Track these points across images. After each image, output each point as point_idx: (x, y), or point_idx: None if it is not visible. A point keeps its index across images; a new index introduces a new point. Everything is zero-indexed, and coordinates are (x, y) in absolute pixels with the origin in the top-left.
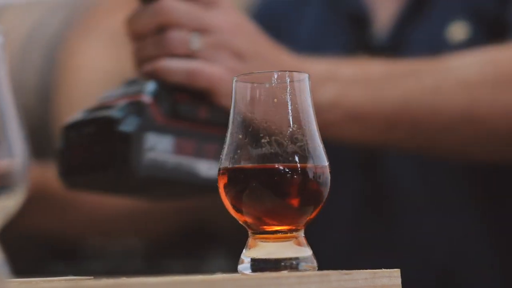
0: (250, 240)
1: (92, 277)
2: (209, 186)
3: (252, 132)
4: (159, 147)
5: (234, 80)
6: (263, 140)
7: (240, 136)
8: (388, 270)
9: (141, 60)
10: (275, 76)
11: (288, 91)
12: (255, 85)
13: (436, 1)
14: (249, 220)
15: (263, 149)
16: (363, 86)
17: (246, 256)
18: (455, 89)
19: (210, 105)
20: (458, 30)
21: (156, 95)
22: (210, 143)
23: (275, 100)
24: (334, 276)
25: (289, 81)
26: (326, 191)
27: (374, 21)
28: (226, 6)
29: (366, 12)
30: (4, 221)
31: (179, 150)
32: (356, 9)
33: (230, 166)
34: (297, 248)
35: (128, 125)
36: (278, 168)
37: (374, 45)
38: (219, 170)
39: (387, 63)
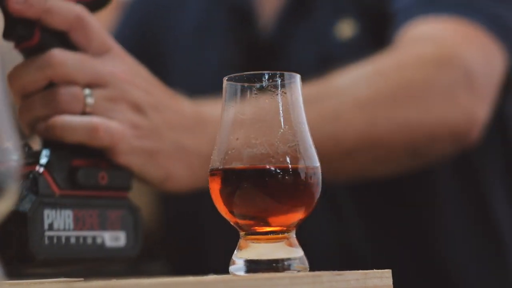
0: (242, 241)
1: (82, 278)
2: (116, 256)
3: (243, 133)
4: (59, 224)
5: (225, 80)
6: (254, 141)
7: (231, 137)
8: (380, 270)
9: (29, 121)
10: (266, 77)
11: (279, 91)
12: (245, 85)
13: (322, 1)
14: (240, 221)
15: (254, 149)
16: None
17: (238, 257)
18: (353, 113)
19: (110, 167)
20: (345, 28)
21: (51, 164)
22: (114, 210)
23: (266, 100)
24: (326, 277)
25: (280, 82)
26: (318, 191)
27: (259, 15)
28: (117, 52)
29: (250, 5)
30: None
31: (80, 224)
32: (239, 2)
33: (221, 167)
34: (288, 249)
35: (22, 204)
36: (269, 169)
37: (259, 41)
38: (210, 170)
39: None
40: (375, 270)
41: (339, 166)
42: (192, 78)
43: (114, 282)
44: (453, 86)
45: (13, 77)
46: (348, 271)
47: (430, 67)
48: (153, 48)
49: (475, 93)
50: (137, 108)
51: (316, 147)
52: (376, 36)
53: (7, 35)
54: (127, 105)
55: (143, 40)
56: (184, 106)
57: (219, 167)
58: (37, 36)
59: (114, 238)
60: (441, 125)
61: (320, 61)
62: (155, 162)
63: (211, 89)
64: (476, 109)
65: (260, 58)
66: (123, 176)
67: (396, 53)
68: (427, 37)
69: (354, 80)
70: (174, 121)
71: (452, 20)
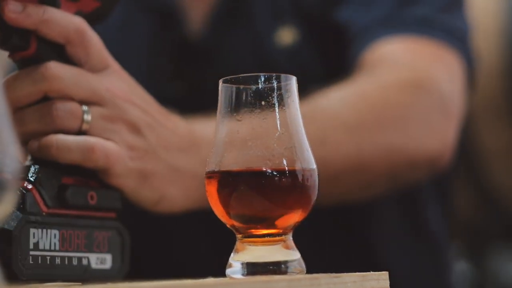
0: (238, 244)
1: (80, 283)
2: (101, 278)
3: (239, 136)
4: (44, 244)
5: (220, 82)
6: (250, 143)
7: (227, 139)
8: (377, 273)
9: (21, 135)
10: (262, 79)
11: (275, 94)
12: (241, 87)
13: (258, 4)
14: (236, 223)
15: (251, 152)
16: None
17: (235, 260)
18: (340, 136)
19: (100, 186)
20: (286, 34)
21: (39, 181)
22: (102, 231)
23: (262, 103)
24: (324, 279)
25: (276, 84)
26: (314, 193)
27: (187, 19)
28: (116, 68)
29: (174, 8)
30: None
31: (67, 244)
32: (162, 4)
33: (217, 169)
34: (285, 252)
35: (7, 221)
36: (265, 171)
37: (189, 46)
38: (207, 173)
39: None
40: (372, 273)
41: (326, 189)
42: None
43: (111, 285)
44: (430, 111)
45: (6, 88)
46: (345, 274)
47: (410, 92)
48: None
49: (447, 118)
50: (134, 128)
51: None
52: (318, 44)
53: (1, 44)
54: (124, 125)
55: None
56: (178, 126)
57: (215, 170)
58: (33, 47)
59: (100, 260)
60: (420, 151)
61: (258, 68)
62: (150, 184)
63: None
64: (449, 134)
65: (191, 63)
66: (113, 196)
67: (376, 76)
68: (397, 60)
69: (340, 103)
70: (169, 141)
71: (414, 40)
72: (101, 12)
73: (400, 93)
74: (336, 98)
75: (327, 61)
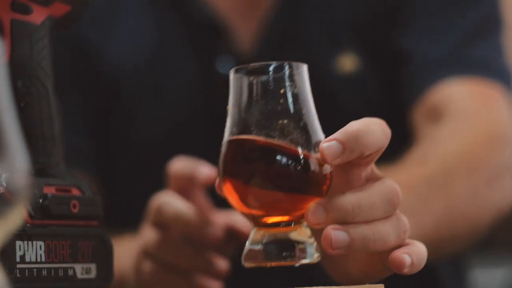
0: (254, 232)
1: None
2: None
3: (251, 125)
4: (31, 256)
5: (231, 72)
6: (262, 133)
7: (235, 129)
8: (373, 285)
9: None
10: (274, 67)
11: (287, 81)
12: (252, 77)
13: (313, 28)
14: (252, 211)
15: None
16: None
17: (251, 246)
18: (429, 194)
19: (81, 195)
20: (346, 62)
21: None
22: (86, 240)
23: (274, 91)
24: None
25: (288, 72)
26: (330, 180)
27: (234, 37)
28: None
29: (221, 24)
30: (4, 241)
31: (52, 255)
32: (208, 20)
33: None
34: (301, 237)
35: None
36: (283, 154)
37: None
38: (218, 172)
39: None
40: (368, 285)
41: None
42: (156, 110)
43: None
44: (509, 166)
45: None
46: (343, 287)
47: (498, 149)
48: (94, 79)
49: None
50: None
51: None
52: (379, 71)
53: None
54: None
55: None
56: None
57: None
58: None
59: (85, 270)
60: (502, 208)
61: (317, 96)
62: None
63: (183, 117)
64: None
65: None
66: (94, 204)
67: (455, 132)
68: (467, 109)
69: (428, 162)
70: None
71: (475, 82)
72: (72, 16)
73: (492, 151)
74: (426, 158)
75: (387, 90)
